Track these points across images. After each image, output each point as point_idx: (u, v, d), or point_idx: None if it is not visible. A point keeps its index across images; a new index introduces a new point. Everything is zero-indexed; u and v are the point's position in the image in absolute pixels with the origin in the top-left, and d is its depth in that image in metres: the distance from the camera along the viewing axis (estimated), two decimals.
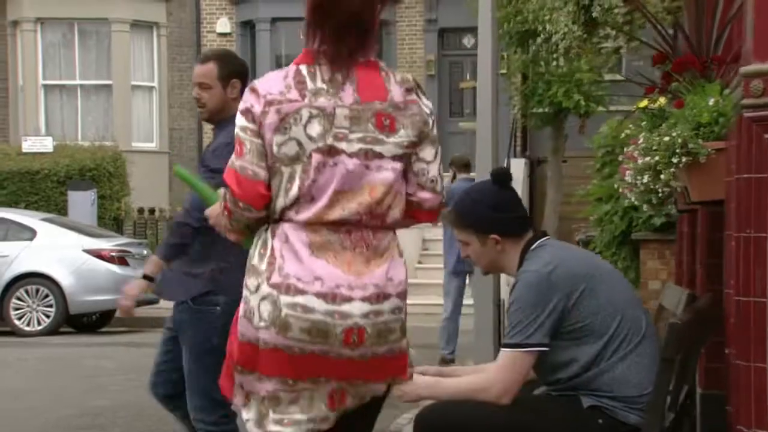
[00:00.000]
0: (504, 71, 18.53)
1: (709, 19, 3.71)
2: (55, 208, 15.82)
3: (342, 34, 2.58)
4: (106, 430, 6.70)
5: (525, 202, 17.43)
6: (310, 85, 2.59)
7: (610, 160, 8.54)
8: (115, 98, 18.89)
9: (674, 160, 3.27)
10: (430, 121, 2.69)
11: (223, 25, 19.69)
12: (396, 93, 2.63)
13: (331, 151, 2.56)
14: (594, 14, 5.96)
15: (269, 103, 2.59)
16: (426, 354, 10.23)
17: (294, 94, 2.58)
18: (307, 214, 2.57)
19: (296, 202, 2.58)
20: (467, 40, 19.37)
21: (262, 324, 2.54)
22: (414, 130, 2.64)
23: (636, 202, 5.59)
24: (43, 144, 16.69)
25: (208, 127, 20.34)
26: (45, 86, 19.00)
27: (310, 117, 2.56)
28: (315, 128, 2.56)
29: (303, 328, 2.52)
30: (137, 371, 9.08)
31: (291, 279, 2.53)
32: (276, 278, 2.54)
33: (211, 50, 4.19)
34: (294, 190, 2.57)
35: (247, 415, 2.64)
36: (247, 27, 19.52)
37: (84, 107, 19.20)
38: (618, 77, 17.89)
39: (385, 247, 2.64)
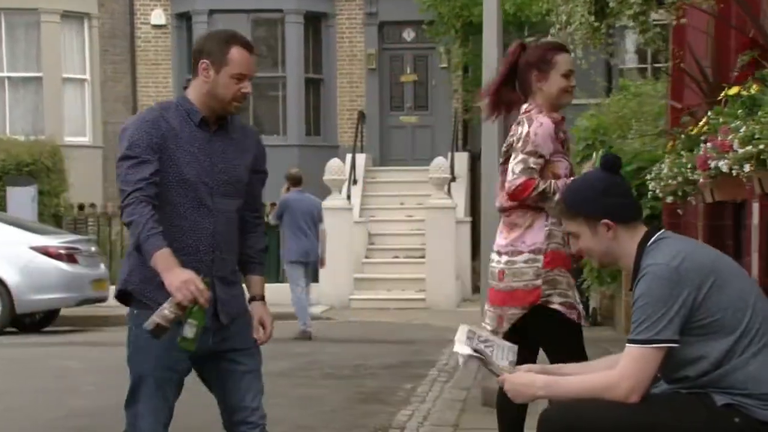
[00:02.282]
0: (445, 66, 18.62)
1: None
2: None
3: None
4: (111, 429, 6.45)
5: (467, 197, 17.58)
6: None
7: (590, 153, 8.57)
8: (45, 91, 18.27)
9: None
10: (518, 140, 4.07)
11: (158, 16, 19.21)
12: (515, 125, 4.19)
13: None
14: (611, 4, 5.94)
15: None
16: (391, 349, 10.22)
17: None
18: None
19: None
20: (407, 34, 19.31)
21: None
22: (507, 144, 4.18)
23: (660, 194, 5.59)
24: None
25: None
26: None
27: None
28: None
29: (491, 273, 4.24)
30: (108, 371, 8.78)
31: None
32: None
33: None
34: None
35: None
36: (183, 19, 19.08)
37: (12, 100, 18.52)
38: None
39: (523, 221, 4.09)
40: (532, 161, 3.98)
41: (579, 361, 3.60)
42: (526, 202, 4.05)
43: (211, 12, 18.70)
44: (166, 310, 3.23)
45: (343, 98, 18.89)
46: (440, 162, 15.17)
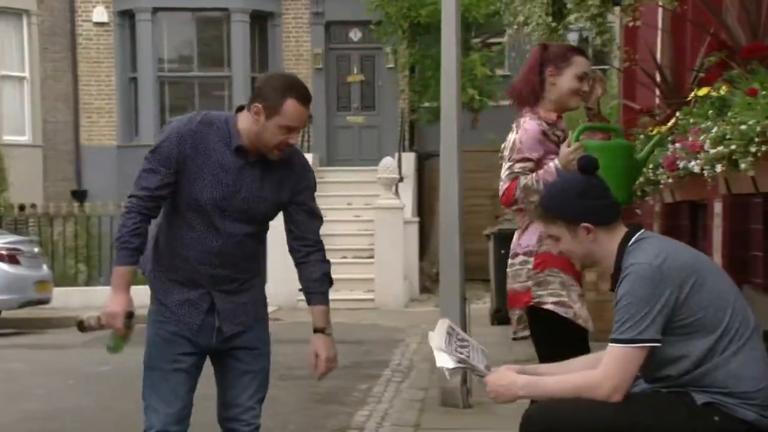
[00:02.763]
0: (392, 66, 18.62)
1: (763, 8, 3.69)
2: None
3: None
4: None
5: (414, 197, 17.57)
6: None
7: None
8: None
9: (752, 149, 3.23)
10: (507, 149, 4.09)
11: (100, 14, 18.90)
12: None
13: None
14: (569, 5, 6.00)
15: None
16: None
17: None
18: None
19: None
20: (354, 34, 19.29)
21: None
22: (502, 150, 4.17)
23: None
24: None
25: (85, 120, 19.56)
26: None
27: None
28: None
29: None
30: (56, 374, 8.65)
31: None
32: None
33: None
34: None
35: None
36: (126, 17, 18.80)
37: None
38: (506, 72, 18.28)
39: (522, 223, 4.08)
40: (517, 167, 4.00)
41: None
42: (518, 204, 4.03)
43: (155, 10, 18.48)
44: (92, 320, 3.50)
45: None
46: (388, 162, 15.17)
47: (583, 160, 3.21)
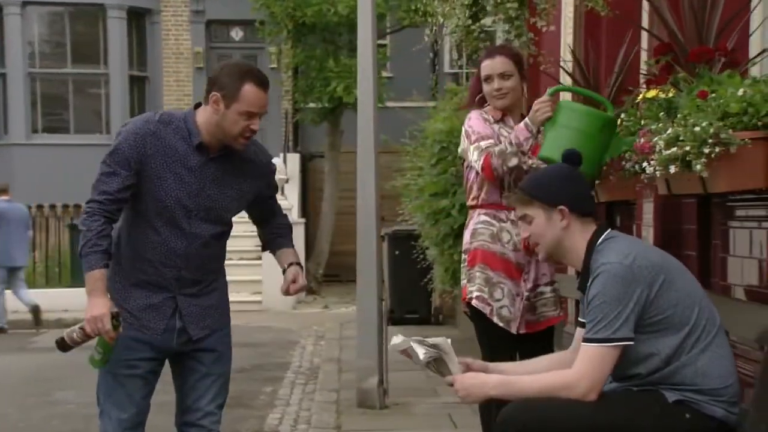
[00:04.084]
0: (275, 66, 18.43)
1: (709, 11, 3.78)
2: None
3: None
4: None
5: (299, 198, 17.40)
6: None
7: (445, 156, 8.63)
8: None
9: (705, 150, 3.31)
10: (463, 141, 4.21)
11: None
12: None
13: None
14: (488, 8, 6.05)
15: None
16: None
17: None
18: None
19: None
20: (235, 33, 19.07)
21: None
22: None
23: None
24: None
25: None
26: None
27: None
28: None
29: None
30: None
31: None
32: None
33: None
34: None
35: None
36: None
37: None
38: (389, 74, 18.36)
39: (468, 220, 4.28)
40: (483, 143, 4.07)
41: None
42: (498, 176, 4.04)
43: (25, 3, 17.80)
44: (74, 333, 3.33)
45: (169, 97, 18.39)
46: (276, 163, 15.03)
47: (570, 151, 3.28)
